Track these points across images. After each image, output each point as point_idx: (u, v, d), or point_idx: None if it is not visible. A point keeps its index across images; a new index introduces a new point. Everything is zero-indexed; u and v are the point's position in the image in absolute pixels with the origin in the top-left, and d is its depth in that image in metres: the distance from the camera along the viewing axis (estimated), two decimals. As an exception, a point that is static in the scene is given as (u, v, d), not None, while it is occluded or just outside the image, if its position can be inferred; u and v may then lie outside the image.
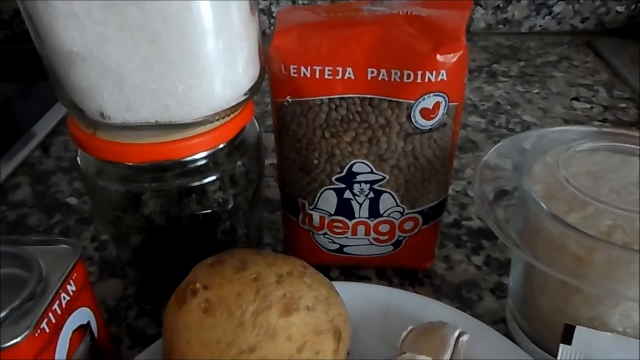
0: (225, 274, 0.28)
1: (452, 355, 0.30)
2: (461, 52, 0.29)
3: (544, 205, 0.27)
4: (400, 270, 0.40)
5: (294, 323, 0.27)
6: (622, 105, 0.63)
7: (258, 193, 0.37)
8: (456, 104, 0.31)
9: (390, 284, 0.39)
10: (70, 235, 0.44)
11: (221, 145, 0.32)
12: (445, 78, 0.29)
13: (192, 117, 0.29)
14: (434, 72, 0.29)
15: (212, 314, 0.27)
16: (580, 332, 0.28)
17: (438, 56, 0.29)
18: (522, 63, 0.75)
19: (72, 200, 0.48)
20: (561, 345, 0.28)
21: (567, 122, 0.61)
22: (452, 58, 0.29)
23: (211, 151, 0.31)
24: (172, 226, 0.33)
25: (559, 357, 0.28)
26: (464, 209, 0.47)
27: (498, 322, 0.37)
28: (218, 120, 0.30)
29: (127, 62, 0.26)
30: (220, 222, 0.35)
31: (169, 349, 0.27)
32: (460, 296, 0.38)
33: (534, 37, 0.82)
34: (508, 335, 0.34)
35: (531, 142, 0.34)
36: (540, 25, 0.83)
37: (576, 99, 0.65)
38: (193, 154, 0.30)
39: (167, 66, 0.27)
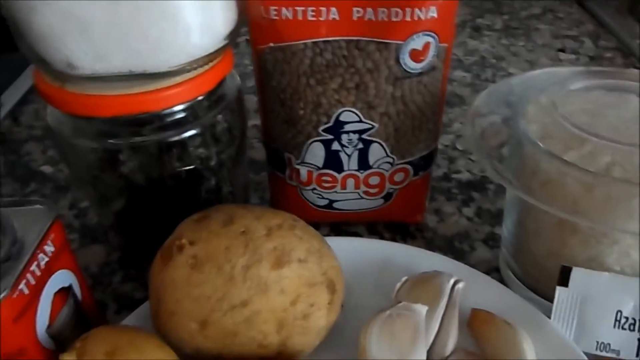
0: (212, 228, 0.27)
1: (447, 303, 0.29)
2: (451, -12, 0.27)
3: (541, 145, 0.27)
4: (391, 225, 0.39)
5: (287, 276, 0.26)
6: (609, 55, 0.63)
7: (242, 150, 0.36)
8: (446, 45, 0.30)
9: (382, 238, 0.38)
10: (48, 203, 0.42)
11: (200, 97, 0.30)
12: (435, 15, 0.28)
13: (168, 66, 0.27)
14: (423, 9, 0.27)
15: (201, 269, 0.25)
16: (577, 274, 0.27)
17: (427, -8, 0.27)
18: (506, 16, 0.73)
19: (47, 169, 0.46)
20: (558, 288, 0.28)
21: (553, 73, 0.60)
22: (441, -6, 0.27)
23: (190, 103, 0.30)
24: (153, 186, 0.32)
25: (555, 300, 0.28)
26: (453, 162, 0.46)
27: (491, 272, 0.36)
28: (196, 69, 0.28)
29: (91, 5, 0.24)
30: (204, 181, 0.33)
31: (157, 310, 0.26)
32: (452, 248, 0.38)
33: (517, -10, 0.80)
34: (502, 283, 0.34)
35: (522, 84, 0.33)
36: (524, -22, 0.81)
37: (562, 50, 0.64)
38: (171, 106, 0.29)
39: (135, 8, 0.25)
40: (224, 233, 0.26)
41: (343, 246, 0.32)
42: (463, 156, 0.47)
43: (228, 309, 0.25)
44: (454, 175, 0.45)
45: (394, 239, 0.38)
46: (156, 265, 0.27)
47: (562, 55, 0.63)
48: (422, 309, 0.28)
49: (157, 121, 0.30)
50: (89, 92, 0.27)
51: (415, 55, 0.29)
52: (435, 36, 0.29)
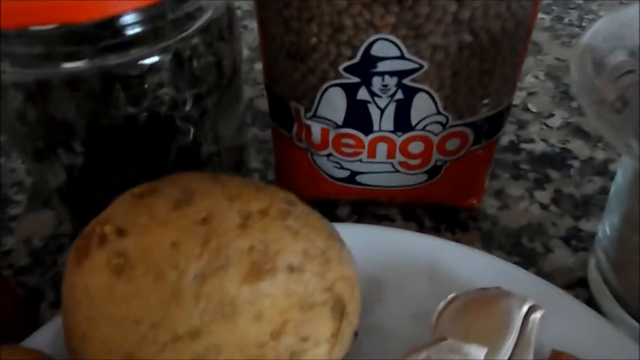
0: (156, 210, 0.17)
1: (517, 341, 0.19)
2: None
3: None
4: (435, 209, 0.29)
5: (267, 293, 0.17)
6: None
7: (234, 94, 0.26)
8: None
9: (421, 228, 0.28)
10: None
11: (161, 6, 0.20)
12: None
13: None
14: None
15: (129, 276, 0.16)
16: None
17: None
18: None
19: None
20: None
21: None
22: None
23: (145, 14, 0.20)
24: (99, 137, 0.22)
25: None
26: (523, 128, 0.35)
27: (575, 285, 0.26)
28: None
29: None
30: (175, 134, 0.24)
31: (66, 328, 0.17)
32: (519, 247, 0.27)
33: None
34: (592, 304, 0.24)
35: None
36: None
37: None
38: (110, 14, 0.19)
39: None
40: (174, 220, 0.17)
41: (364, 239, 0.23)
42: (537, 120, 0.35)
43: (168, 340, 0.16)
44: (524, 146, 0.33)
45: (437, 229, 0.28)
46: (69, 262, 0.17)
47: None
48: (479, 351, 0.18)
49: (100, 39, 0.20)
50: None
51: (499, -49, 0.18)
52: None
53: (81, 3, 0.18)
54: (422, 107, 0.22)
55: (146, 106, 0.22)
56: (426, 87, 0.22)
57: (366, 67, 0.21)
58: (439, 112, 0.23)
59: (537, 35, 0.44)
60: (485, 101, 0.23)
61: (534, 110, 0.36)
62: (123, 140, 0.23)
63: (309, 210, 0.20)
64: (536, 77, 0.39)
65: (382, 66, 0.21)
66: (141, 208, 0.17)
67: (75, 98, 0.21)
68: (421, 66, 0.21)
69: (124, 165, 0.24)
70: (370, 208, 0.29)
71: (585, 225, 0.28)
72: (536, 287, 0.22)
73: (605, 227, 0.24)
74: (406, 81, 0.21)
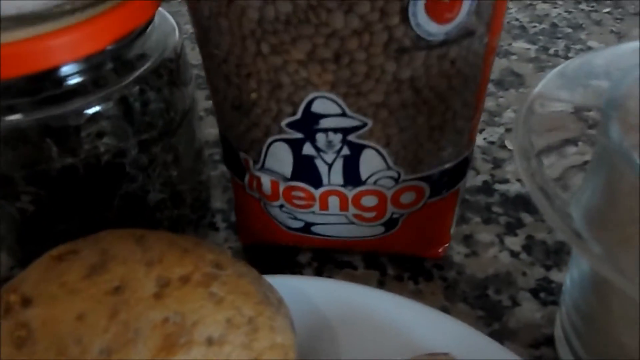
0: (68, 277, 0.16)
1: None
2: None
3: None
4: (398, 256, 0.28)
5: (183, 372, 0.16)
6: None
7: (185, 137, 0.25)
8: (493, -5, 0.18)
9: (383, 276, 0.27)
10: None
11: (100, 56, 0.20)
12: (472, -63, 0.16)
13: (18, 6, 0.17)
14: None
15: (31, 350, 0.15)
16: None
17: None
18: (589, -27, 0.58)
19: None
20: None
21: (649, 49, 0.45)
22: None
23: (83, 65, 0.19)
24: (39, 186, 0.22)
25: None
26: (498, 167, 0.34)
27: (541, 344, 0.24)
28: (71, 12, 0.17)
29: None
30: (121, 182, 0.23)
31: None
32: (485, 299, 0.26)
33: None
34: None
35: (610, 64, 0.21)
36: None
37: (663, 18, 0.49)
38: (42, 68, 0.18)
39: None
40: (84, 289, 0.16)
41: (316, 292, 0.22)
42: (514, 159, 0.34)
43: None
44: (498, 186, 0.32)
45: (399, 278, 0.27)
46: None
47: (663, 26, 0.48)
48: None
49: (38, 91, 0.20)
50: None
51: (437, 10, 0.17)
52: (473, -23, 0.16)
53: (12, 55, 0.18)
54: (370, 162, 0.21)
55: (84, 156, 0.21)
56: (373, 144, 0.21)
57: (308, 124, 0.20)
58: (389, 168, 0.22)
59: (521, 67, 0.43)
60: (440, 155, 0.22)
61: (511, 148, 0.35)
62: (64, 189, 0.22)
63: (242, 272, 0.19)
64: (515, 112, 0.38)
65: (324, 123, 0.20)
66: (54, 274, 0.17)
67: (11, 150, 0.21)
68: (365, 123, 0.20)
69: (68, 213, 0.23)
70: (332, 255, 0.28)
71: (556, 275, 0.27)
72: (492, 354, 0.21)
73: (567, 280, 0.23)
74: (351, 138, 0.21)
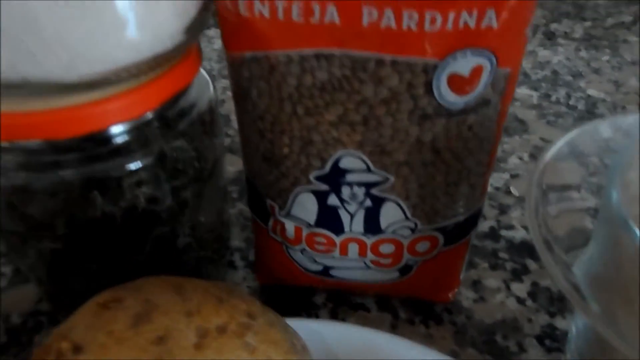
0: (115, 326, 0.18)
1: None
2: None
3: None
4: (410, 300, 0.29)
5: (220, 416, 0.17)
6: None
7: (213, 183, 0.27)
8: (508, 70, 0.20)
9: (395, 319, 0.28)
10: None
11: (148, 117, 0.21)
12: (494, 24, 0.17)
13: (78, 74, 0.18)
14: (475, 13, 0.17)
15: (84, 397, 0.16)
16: None
17: (484, -14, 0.17)
18: (588, 23, 0.60)
19: None
20: None
21: (646, 100, 0.47)
22: (508, -10, 0.17)
23: (130, 124, 0.21)
24: (77, 231, 0.23)
25: None
26: (504, 213, 0.35)
27: (546, 390, 0.26)
28: (127, 79, 0.19)
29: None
30: (153, 227, 0.25)
31: None
32: (493, 344, 0.27)
33: (604, -9, 0.67)
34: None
35: (616, 132, 0.22)
36: (614, -22, 0.67)
37: (659, 70, 0.51)
38: (92, 129, 0.20)
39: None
40: (130, 338, 0.17)
41: (332, 336, 0.23)
42: (519, 205, 0.36)
43: None
44: (504, 232, 0.34)
45: (411, 322, 0.28)
46: (29, 375, 0.18)
47: (659, 78, 0.50)
48: None
49: (85, 150, 0.21)
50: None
51: (458, 84, 0.19)
52: (493, 57, 0.18)
53: (67, 119, 0.19)
54: (390, 213, 0.23)
55: (124, 205, 0.23)
56: (393, 197, 0.22)
57: (335, 178, 0.22)
58: (407, 219, 0.23)
59: (524, 113, 0.45)
60: (454, 208, 0.24)
61: (516, 194, 0.37)
62: (100, 233, 0.24)
63: (272, 321, 0.20)
64: (520, 159, 0.40)
65: (350, 177, 0.22)
66: (101, 322, 0.18)
67: (56, 201, 0.22)
68: (387, 179, 0.22)
69: (100, 254, 0.25)
70: (346, 296, 0.29)
71: (560, 323, 0.28)
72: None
73: (573, 327, 0.24)
74: (374, 191, 0.22)
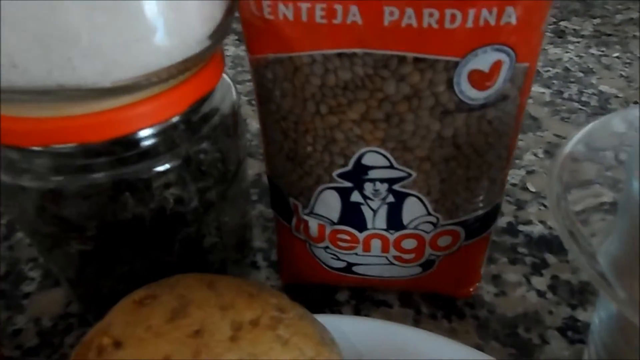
0: (153, 321, 0.18)
1: None
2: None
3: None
4: (432, 295, 0.29)
5: (255, 407, 0.17)
6: None
7: (237, 186, 0.27)
8: (527, 65, 0.20)
9: (418, 314, 0.29)
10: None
11: (174, 120, 0.22)
12: (513, 21, 0.18)
13: (111, 80, 0.19)
14: (495, 11, 0.18)
15: (125, 389, 0.17)
16: None
17: (503, -17, 0.17)
18: (597, 20, 0.61)
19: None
20: None
21: (659, 94, 0.48)
22: (526, -14, 0.17)
23: (157, 128, 0.22)
24: (106, 233, 0.24)
25: None
26: (521, 209, 0.36)
27: (570, 381, 0.26)
28: (157, 84, 0.20)
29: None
30: (181, 228, 0.25)
31: None
32: (515, 337, 0.28)
33: (613, -12, 0.67)
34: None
35: (628, 125, 0.23)
36: (622, -26, 0.68)
37: (671, 64, 0.51)
38: (117, 135, 0.20)
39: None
40: (168, 332, 0.18)
41: (356, 331, 0.24)
42: (536, 200, 0.36)
43: None
44: (522, 227, 0.34)
45: (433, 316, 0.29)
46: (71, 369, 0.19)
47: (671, 72, 0.50)
48: None
49: (115, 153, 0.22)
50: (5, 113, 0.19)
51: (479, 80, 0.19)
52: (512, 52, 0.19)
53: (100, 123, 0.20)
54: (412, 209, 0.23)
55: (153, 206, 0.23)
56: (415, 192, 0.23)
57: (358, 174, 0.22)
58: (429, 214, 0.24)
59: (537, 111, 0.45)
60: (475, 203, 0.24)
61: (533, 190, 0.37)
62: (130, 234, 0.24)
63: (302, 314, 0.21)
64: (535, 155, 0.40)
65: (373, 174, 0.22)
66: (139, 318, 0.18)
67: (88, 203, 0.23)
68: (409, 174, 0.22)
69: (129, 255, 0.25)
70: (369, 293, 0.30)
71: (581, 315, 0.29)
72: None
73: (595, 318, 0.24)
74: (396, 187, 0.23)
